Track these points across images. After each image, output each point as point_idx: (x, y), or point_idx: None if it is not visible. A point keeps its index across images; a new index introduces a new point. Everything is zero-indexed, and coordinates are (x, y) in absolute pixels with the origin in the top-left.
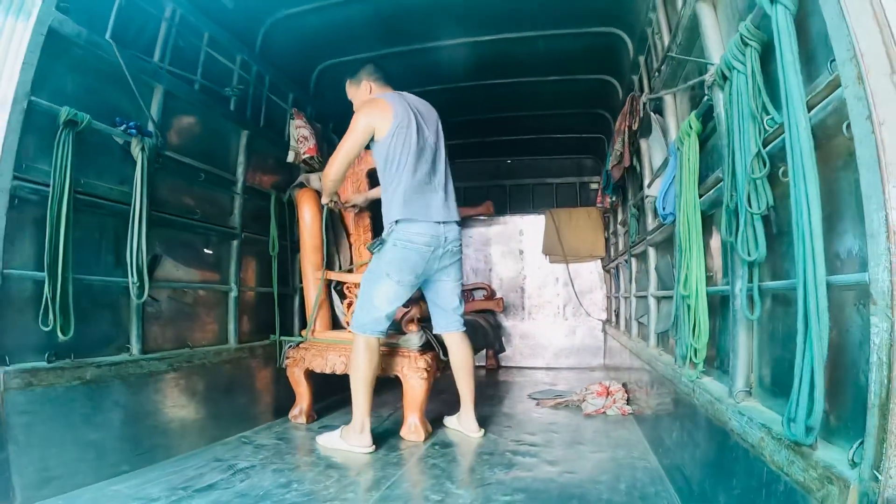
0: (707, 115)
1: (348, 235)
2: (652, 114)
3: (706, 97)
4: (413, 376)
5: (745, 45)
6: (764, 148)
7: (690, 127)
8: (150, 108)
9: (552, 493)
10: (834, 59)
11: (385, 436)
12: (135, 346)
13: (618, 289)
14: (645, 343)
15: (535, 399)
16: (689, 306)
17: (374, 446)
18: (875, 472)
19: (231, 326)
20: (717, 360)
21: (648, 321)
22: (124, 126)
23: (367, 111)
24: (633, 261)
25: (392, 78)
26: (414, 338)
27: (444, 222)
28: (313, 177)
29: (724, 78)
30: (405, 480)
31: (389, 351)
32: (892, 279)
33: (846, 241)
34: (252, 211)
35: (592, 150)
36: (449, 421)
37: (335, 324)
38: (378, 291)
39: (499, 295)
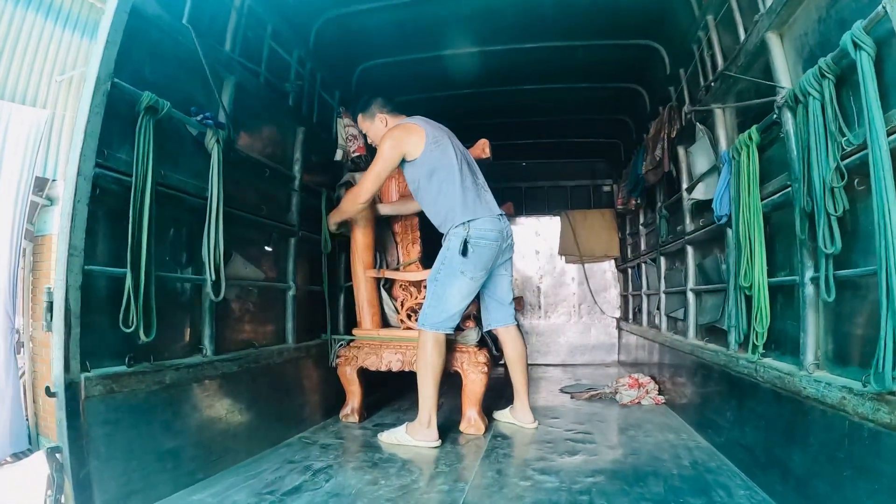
0: (765, 129)
1: (394, 235)
2: (697, 124)
3: (773, 115)
4: (473, 371)
5: (823, 77)
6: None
7: (750, 138)
8: (221, 98)
9: (627, 471)
10: None
11: (440, 431)
12: (208, 347)
13: (638, 286)
14: (682, 335)
15: (568, 392)
16: (746, 296)
17: (440, 440)
18: None
19: (290, 325)
20: (772, 343)
21: (687, 314)
22: (200, 116)
23: (395, 135)
24: (663, 259)
25: (416, 87)
26: (472, 333)
27: (500, 216)
28: (359, 175)
29: (797, 101)
30: (487, 469)
31: (446, 347)
32: None
33: None
34: (305, 209)
35: (606, 154)
36: (500, 414)
37: (384, 322)
38: (453, 289)
39: (516, 294)
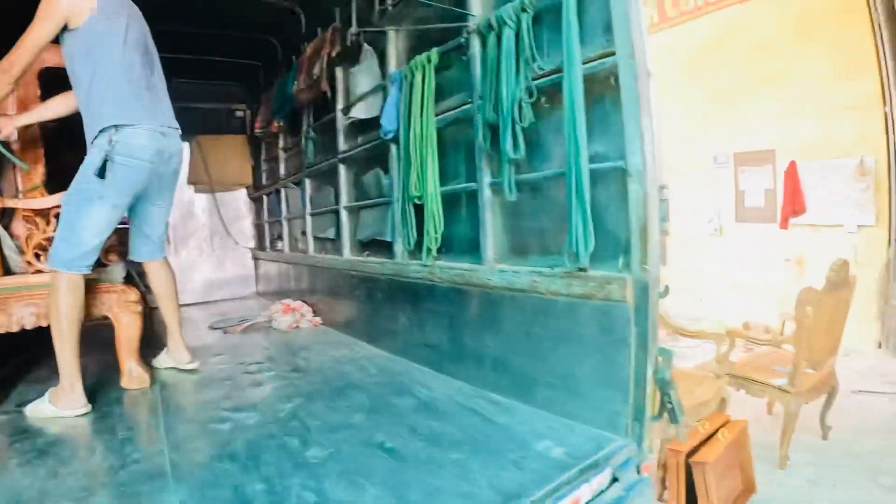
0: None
1: (10, 152)
2: (365, 45)
3: (462, 39)
4: (125, 313)
5: (524, 10)
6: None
7: (429, 60)
8: None
9: (323, 389)
10: (611, 38)
11: (94, 394)
12: None
13: (277, 213)
14: (337, 254)
15: (219, 328)
16: (413, 207)
17: (89, 406)
18: (643, 266)
19: None
20: (441, 248)
21: (340, 233)
22: None
23: None
24: (308, 182)
25: None
26: (117, 270)
27: (168, 130)
28: None
29: (490, 28)
30: (176, 423)
31: (88, 289)
32: (643, 162)
33: (596, 144)
34: None
35: (243, 77)
36: (158, 361)
37: (6, 268)
38: (89, 218)
39: None
